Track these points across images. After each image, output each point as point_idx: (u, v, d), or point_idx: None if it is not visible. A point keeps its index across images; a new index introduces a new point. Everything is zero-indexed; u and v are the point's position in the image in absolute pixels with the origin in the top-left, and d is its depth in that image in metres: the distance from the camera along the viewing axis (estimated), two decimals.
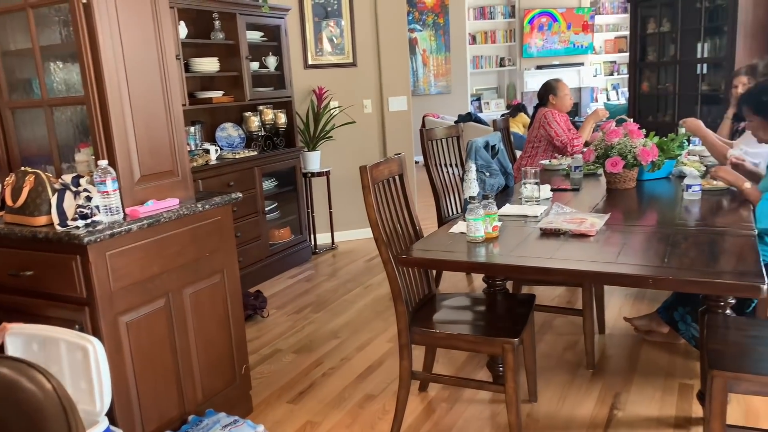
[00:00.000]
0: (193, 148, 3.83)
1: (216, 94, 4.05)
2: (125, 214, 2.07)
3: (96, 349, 1.78)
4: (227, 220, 2.42)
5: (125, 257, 2.00)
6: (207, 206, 2.29)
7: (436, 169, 3.67)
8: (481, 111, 9.94)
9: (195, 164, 3.63)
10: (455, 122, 7.84)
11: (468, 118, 8.29)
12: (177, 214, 2.16)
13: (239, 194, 2.47)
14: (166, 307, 2.17)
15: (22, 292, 2.05)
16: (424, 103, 9.50)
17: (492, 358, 2.48)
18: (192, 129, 3.93)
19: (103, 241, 1.91)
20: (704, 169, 3.03)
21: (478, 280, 3.68)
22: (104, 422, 1.84)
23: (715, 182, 2.64)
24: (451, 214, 3.70)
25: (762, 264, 1.68)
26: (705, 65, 5.21)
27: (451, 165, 3.80)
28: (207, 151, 3.83)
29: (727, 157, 2.73)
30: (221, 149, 4.09)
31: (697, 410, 2.32)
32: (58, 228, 1.94)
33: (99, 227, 1.93)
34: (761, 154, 2.75)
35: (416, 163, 5.49)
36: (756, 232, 2.02)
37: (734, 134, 3.55)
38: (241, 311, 2.53)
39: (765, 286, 1.50)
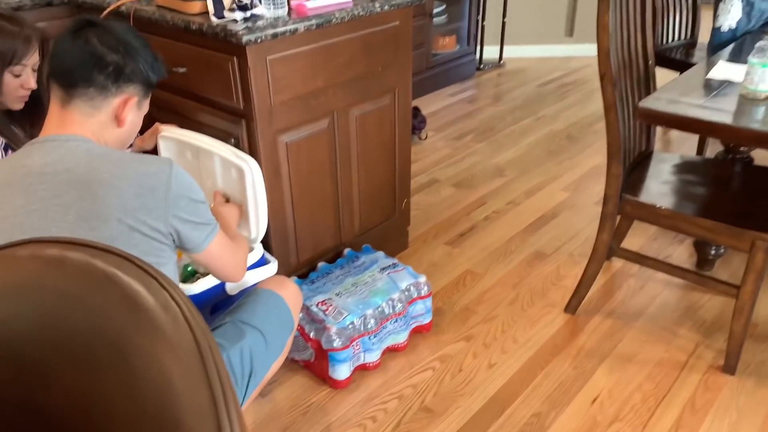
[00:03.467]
0: None
1: None
2: (290, 9, 1.67)
3: (252, 170, 1.50)
4: (407, 26, 1.96)
5: (288, 65, 1.64)
6: (386, 7, 1.82)
7: None
8: None
9: None
10: None
11: None
12: (350, 15, 1.71)
13: None
14: (330, 128, 1.84)
15: (175, 90, 1.80)
16: None
17: None
18: None
19: (263, 42, 1.54)
20: None
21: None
22: (259, 250, 1.64)
23: None
24: (665, 42, 2.93)
25: None
26: None
27: None
28: None
29: None
30: None
31: None
32: (214, 19, 1.58)
33: (259, 23, 1.56)
34: None
35: None
36: None
37: None
38: (409, 139, 2.15)
39: None
